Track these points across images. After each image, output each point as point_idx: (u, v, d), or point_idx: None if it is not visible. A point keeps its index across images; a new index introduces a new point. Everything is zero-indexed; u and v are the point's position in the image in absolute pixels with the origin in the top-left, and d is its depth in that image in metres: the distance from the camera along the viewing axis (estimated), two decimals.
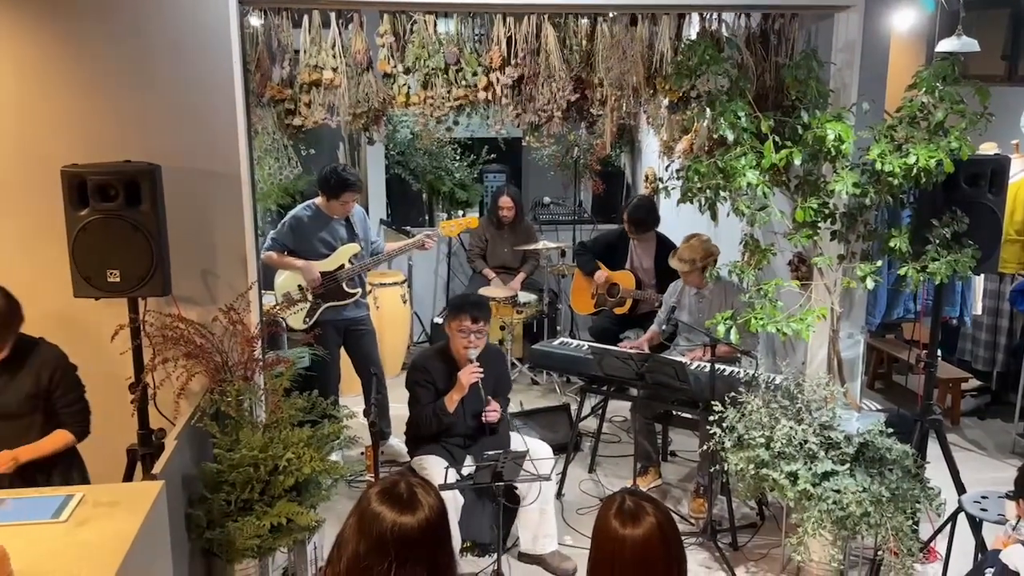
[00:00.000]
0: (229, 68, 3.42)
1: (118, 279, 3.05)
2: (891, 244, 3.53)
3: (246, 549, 3.17)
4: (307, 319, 4.78)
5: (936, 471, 3.79)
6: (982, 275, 4.88)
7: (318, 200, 4.79)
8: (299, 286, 4.77)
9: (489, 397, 3.92)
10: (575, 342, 5.05)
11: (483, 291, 6.14)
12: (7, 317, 2.85)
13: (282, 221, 4.90)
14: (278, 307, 3.76)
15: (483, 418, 3.91)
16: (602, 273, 5.82)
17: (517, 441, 4.00)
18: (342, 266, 4.79)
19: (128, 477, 3.27)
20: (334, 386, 4.88)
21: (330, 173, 4.70)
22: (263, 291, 3.89)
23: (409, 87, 3.98)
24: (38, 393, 2.96)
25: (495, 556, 3.67)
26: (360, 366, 4.95)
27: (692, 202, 3.81)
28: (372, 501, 1.76)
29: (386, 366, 5.67)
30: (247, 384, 3.40)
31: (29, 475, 2.95)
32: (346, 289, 4.81)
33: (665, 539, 1.86)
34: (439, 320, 6.17)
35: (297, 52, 3.90)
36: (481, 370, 3.83)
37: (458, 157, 7.24)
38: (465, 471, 3.83)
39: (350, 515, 1.80)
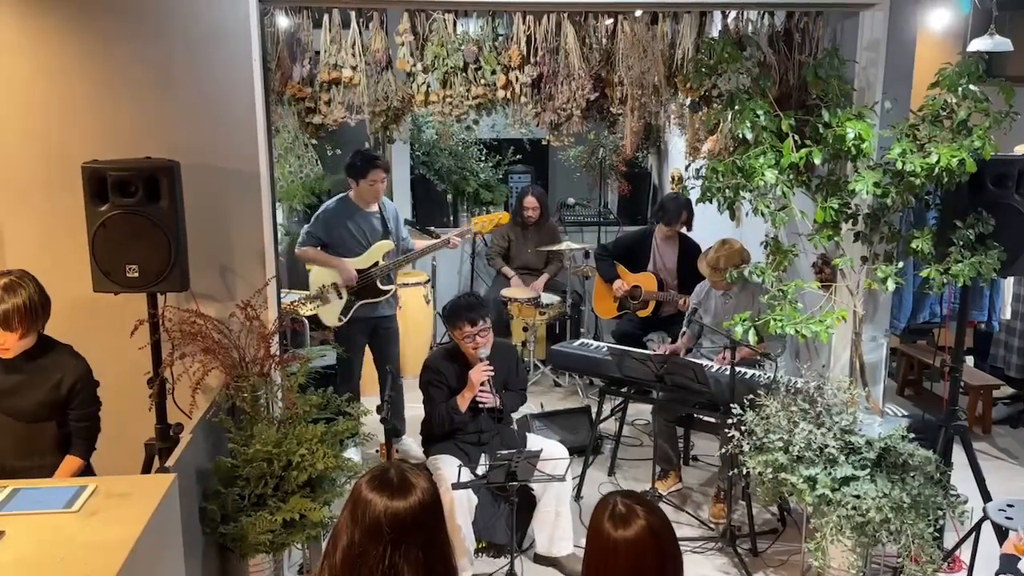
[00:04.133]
0: (249, 67, 3.45)
1: (137, 274, 3.08)
2: (914, 245, 3.46)
3: (259, 544, 3.19)
4: (342, 316, 4.79)
5: (962, 478, 3.71)
6: (1011, 278, 4.77)
7: (350, 192, 4.79)
8: (334, 283, 4.78)
9: (485, 361, 3.86)
10: (595, 343, 5.02)
11: (505, 291, 6.15)
12: (36, 307, 2.81)
13: (316, 214, 4.92)
14: (296, 304, 3.78)
15: (479, 404, 3.88)
16: (621, 283, 5.78)
17: (533, 442, 3.98)
18: (376, 263, 4.79)
19: (146, 471, 3.29)
20: (356, 382, 4.90)
21: (355, 155, 4.71)
22: (282, 288, 3.92)
23: (428, 85, 3.99)
24: (54, 402, 2.91)
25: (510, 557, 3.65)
26: (381, 364, 4.96)
27: (711, 201, 3.77)
28: (363, 489, 1.76)
29: (408, 366, 5.69)
30: (263, 380, 3.42)
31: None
32: (380, 287, 4.81)
33: (657, 542, 1.83)
34: None
35: (317, 53, 3.93)
36: (491, 368, 3.83)
37: (483, 158, 7.25)
38: (480, 470, 3.82)
39: (343, 508, 1.80)
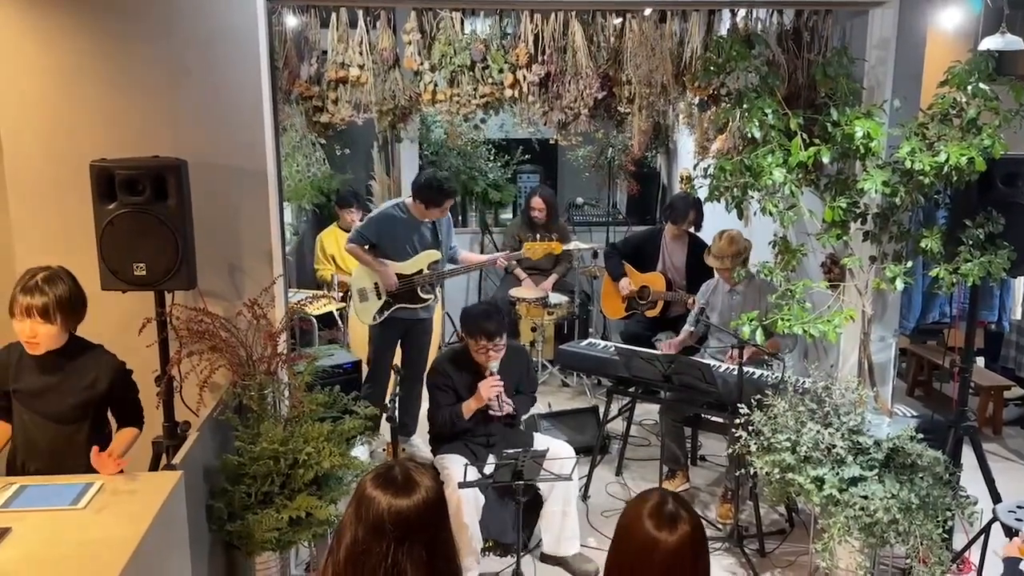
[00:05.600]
0: (257, 65, 3.46)
1: (144, 272, 3.08)
2: (923, 245, 3.44)
3: (265, 542, 3.19)
4: (377, 316, 4.80)
5: (972, 480, 3.69)
6: (1021, 278, 4.74)
7: (408, 201, 4.76)
8: (375, 283, 4.78)
9: (495, 376, 3.85)
10: (602, 343, 5.02)
11: (514, 292, 6.15)
12: (77, 302, 2.77)
13: (369, 215, 4.93)
14: (302, 303, 3.78)
15: (489, 412, 3.87)
16: (627, 282, 5.77)
17: (540, 441, 3.98)
18: (420, 271, 4.77)
19: (153, 469, 3.30)
20: (385, 381, 4.88)
21: (430, 181, 4.64)
22: (289, 287, 3.92)
23: (436, 84, 3.99)
24: (90, 401, 2.86)
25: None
26: (407, 363, 4.94)
27: (719, 200, 3.76)
28: (368, 487, 1.76)
29: None
30: (270, 378, 3.43)
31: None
32: (420, 294, 4.80)
33: (695, 553, 1.78)
34: None
35: (325, 52, 3.94)
36: (500, 384, 3.81)
37: (492, 158, 7.25)
38: (487, 470, 3.81)
39: (348, 505, 1.80)
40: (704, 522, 4.21)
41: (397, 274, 4.72)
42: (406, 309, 4.80)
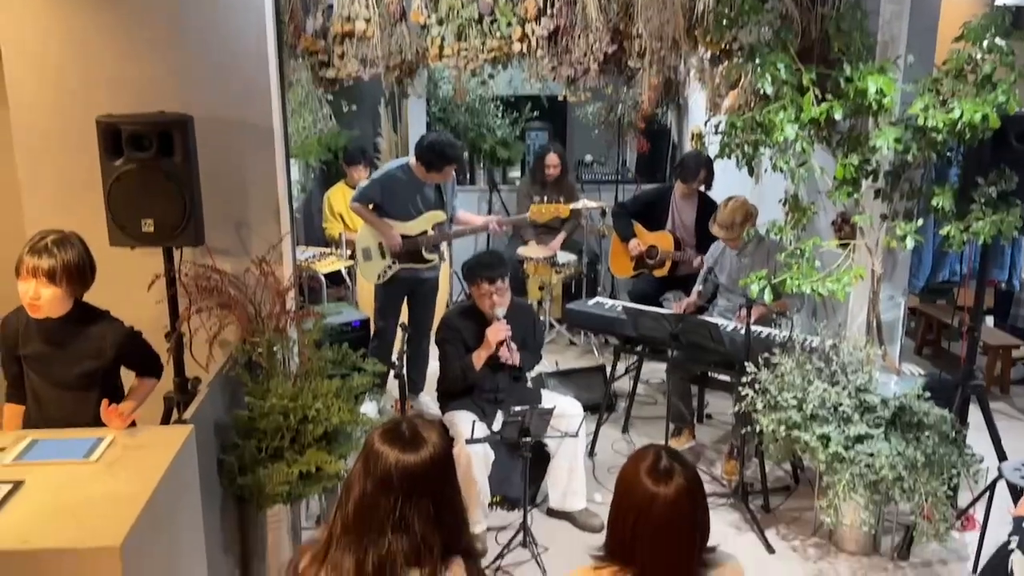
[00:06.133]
0: (262, 19, 3.41)
1: (152, 229, 3.07)
2: (935, 202, 3.41)
3: (276, 495, 3.23)
4: (381, 275, 4.81)
5: (978, 438, 3.70)
6: None
7: (412, 162, 4.71)
8: (379, 243, 4.78)
9: (502, 321, 3.87)
10: (610, 302, 5.02)
11: (522, 250, 6.14)
12: (85, 268, 2.73)
13: (373, 175, 4.90)
14: (310, 261, 3.78)
15: (500, 359, 3.89)
16: (637, 243, 5.74)
17: (547, 399, 4.00)
18: (424, 232, 4.76)
19: (165, 423, 3.34)
20: (391, 340, 4.91)
21: (433, 144, 4.58)
22: (297, 245, 3.92)
23: (443, 39, 3.94)
24: (97, 370, 2.84)
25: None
26: (413, 322, 4.97)
27: (729, 157, 3.73)
28: (376, 441, 1.79)
29: None
30: (279, 335, 3.44)
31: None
32: (424, 255, 4.79)
33: (693, 503, 1.83)
34: None
35: (331, 6, 3.89)
36: (508, 328, 3.83)
37: (500, 115, 7.18)
38: (495, 426, 3.84)
39: (357, 459, 1.82)
40: (709, 479, 4.29)
41: (402, 235, 4.71)
42: (410, 269, 4.81)
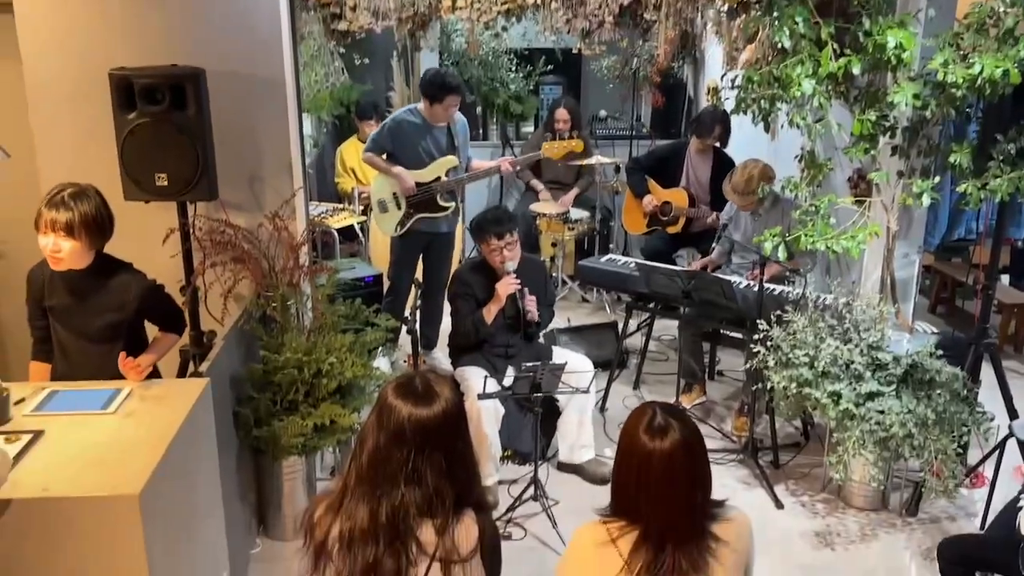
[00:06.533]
0: None
1: (166, 183, 3.09)
2: (952, 159, 3.36)
3: (291, 447, 3.29)
4: (399, 227, 4.79)
5: (990, 397, 3.70)
6: None
7: (420, 105, 4.70)
8: (394, 193, 4.76)
9: (529, 295, 3.91)
10: (623, 259, 5.01)
11: (534, 207, 6.12)
12: (103, 220, 2.74)
13: (383, 123, 4.87)
14: (323, 217, 3.79)
15: (525, 315, 3.93)
16: (651, 199, 5.71)
17: (559, 355, 4.02)
18: (438, 178, 4.73)
19: (181, 376, 3.39)
20: (406, 294, 4.94)
21: (434, 76, 4.61)
22: (311, 200, 3.92)
23: None
24: (121, 323, 2.88)
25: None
26: (428, 278, 4.99)
27: (746, 113, 3.68)
28: (389, 395, 1.81)
29: None
30: (292, 290, 3.47)
31: None
32: (440, 202, 4.77)
33: (691, 455, 1.87)
34: None
35: None
36: (518, 282, 3.84)
37: (514, 68, 7.11)
38: (506, 382, 3.87)
39: (371, 412, 1.85)
40: (720, 435, 4.31)
41: (416, 182, 4.69)
42: (427, 219, 4.79)
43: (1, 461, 2.07)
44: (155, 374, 3.05)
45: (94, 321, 2.86)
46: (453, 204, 4.83)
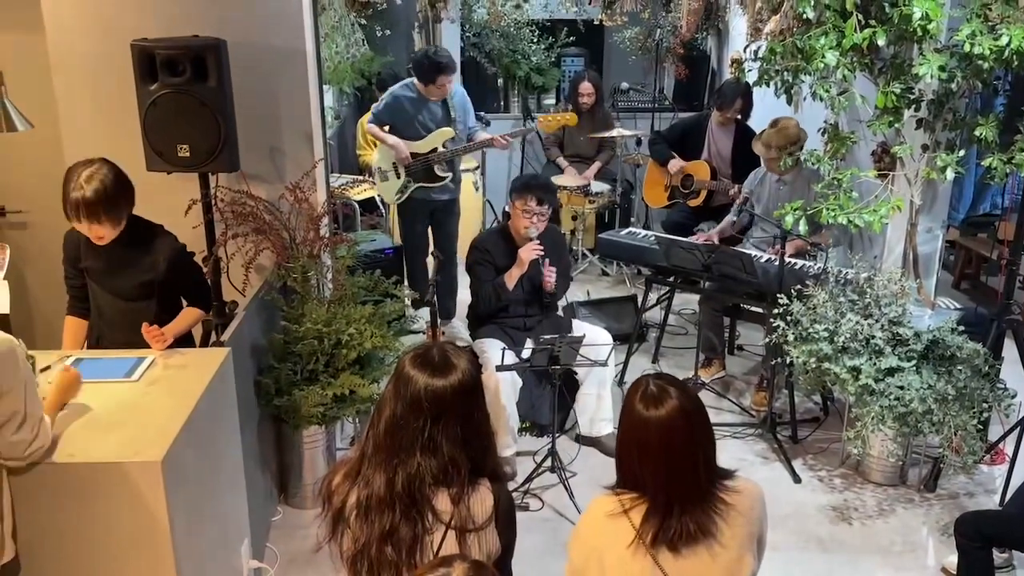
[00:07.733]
0: None
1: (188, 154, 3.11)
2: (978, 133, 3.31)
3: (311, 416, 3.33)
4: (399, 195, 4.92)
5: (1012, 373, 3.67)
6: None
7: (415, 80, 4.82)
8: (393, 163, 4.88)
9: (548, 265, 3.92)
10: (643, 232, 5.00)
11: (556, 180, 6.09)
12: (113, 195, 2.74)
13: (382, 96, 5.00)
14: (343, 188, 3.80)
15: (544, 284, 3.95)
16: (677, 162, 5.67)
17: (578, 328, 4.03)
18: (435, 149, 4.83)
19: (204, 346, 3.43)
20: (421, 261, 5.05)
21: (422, 57, 4.73)
22: (331, 172, 3.93)
23: None
24: (152, 282, 2.94)
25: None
26: (437, 245, 5.05)
27: (768, 85, 3.64)
28: (407, 366, 1.83)
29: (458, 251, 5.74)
30: (313, 261, 3.49)
31: None
32: (437, 172, 4.87)
33: (688, 421, 1.88)
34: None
35: None
36: (541, 247, 3.85)
37: (535, 40, 7.05)
38: (525, 354, 3.89)
39: (388, 382, 1.87)
40: (738, 409, 4.31)
41: (413, 153, 4.79)
42: (425, 189, 4.88)
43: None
44: (189, 342, 3.11)
45: (127, 282, 2.95)
46: (451, 174, 4.94)
